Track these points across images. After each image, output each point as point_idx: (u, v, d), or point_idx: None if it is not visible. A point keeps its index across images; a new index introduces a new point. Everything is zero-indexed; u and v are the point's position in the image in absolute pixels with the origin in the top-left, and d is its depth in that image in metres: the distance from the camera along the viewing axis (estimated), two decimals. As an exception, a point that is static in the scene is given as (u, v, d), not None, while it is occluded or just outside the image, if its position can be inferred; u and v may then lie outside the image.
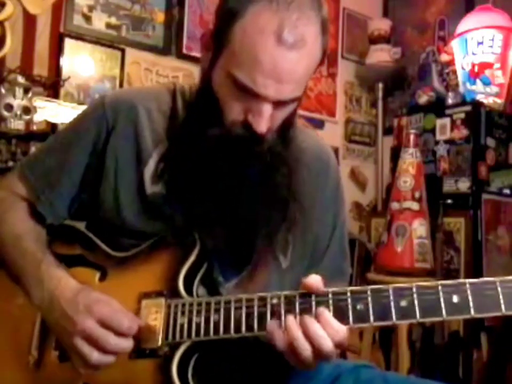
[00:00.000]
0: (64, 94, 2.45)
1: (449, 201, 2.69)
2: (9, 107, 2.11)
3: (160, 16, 2.80)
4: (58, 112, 2.20)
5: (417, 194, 2.54)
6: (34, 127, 2.17)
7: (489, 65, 2.82)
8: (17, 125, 2.12)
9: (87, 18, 2.57)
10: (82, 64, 2.56)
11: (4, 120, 2.10)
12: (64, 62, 2.50)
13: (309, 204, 0.98)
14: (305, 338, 0.74)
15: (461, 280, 0.72)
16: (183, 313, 0.83)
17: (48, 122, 2.23)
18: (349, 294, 0.76)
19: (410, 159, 2.61)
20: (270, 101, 0.84)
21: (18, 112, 2.12)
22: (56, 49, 2.48)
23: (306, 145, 1.03)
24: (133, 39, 2.72)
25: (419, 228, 2.50)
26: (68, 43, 2.52)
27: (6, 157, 2.04)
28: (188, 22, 2.86)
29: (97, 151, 0.99)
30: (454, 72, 3.05)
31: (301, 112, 3.19)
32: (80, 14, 2.55)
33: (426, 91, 3.03)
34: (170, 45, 2.84)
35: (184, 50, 2.84)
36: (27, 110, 2.14)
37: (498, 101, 2.83)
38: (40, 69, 2.40)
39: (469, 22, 2.90)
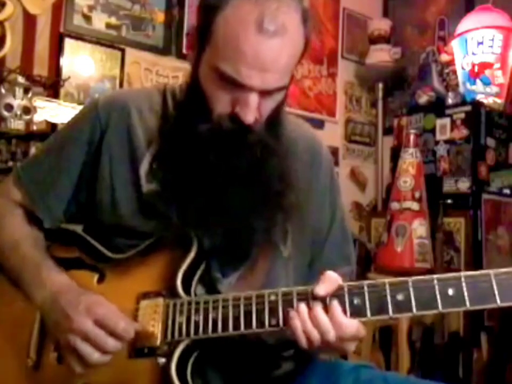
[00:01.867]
0: (64, 94, 2.45)
1: (449, 201, 2.69)
2: (9, 107, 2.11)
3: (160, 16, 2.80)
4: (58, 112, 2.20)
5: (417, 194, 2.54)
6: (34, 127, 2.17)
7: (489, 65, 2.82)
8: (17, 125, 2.12)
9: (87, 18, 2.57)
10: (82, 64, 2.56)
11: (4, 120, 2.11)
12: (64, 62, 2.50)
13: (304, 192, 0.99)
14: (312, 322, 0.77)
15: (456, 274, 0.73)
16: (181, 312, 0.83)
17: (48, 122, 2.24)
18: (346, 289, 0.77)
19: (410, 159, 2.61)
20: (255, 91, 0.85)
21: (18, 112, 2.13)
22: (56, 49, 2.48)
23: (296, 136, 1.04)
24: (133, 39, 2.72)
25: (419, 227, 2.50)
26: (68, 43, 2.51)
27: (6, 157, 2.05)
28: (188, 22, 2.86)
29: (92, 151, 1.00)
30: (454, 72, 3.05)
31: (301, 112, 3.20)
32: (80, 14, 2.55)
33: (426, 91, 3.03)
34: (170, 45, 2.84)
35: (184, 50, 2.84)
36: (27, 110, 2.14)
37: (498, 101, 2.83)
38: (40, 69, 2.40)
39: (469, 22, 2.90)
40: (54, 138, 1.10)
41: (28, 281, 0.92)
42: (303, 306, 0.78)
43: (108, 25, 2.64)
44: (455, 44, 2.98)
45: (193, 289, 0.88)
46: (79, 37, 2.55)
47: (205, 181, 0.89)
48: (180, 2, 2.87)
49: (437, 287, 0.72)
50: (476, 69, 2.84)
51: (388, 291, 0.74)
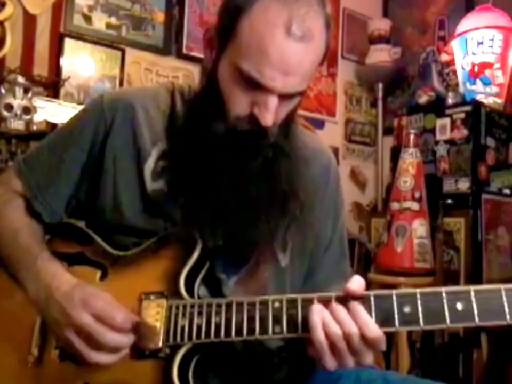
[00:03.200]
0: (64, 94, 2.45)
1: (449, 201, 2.69)
2: (9, 107, 2.11)
3: (160, 16, 2.80)
4: (58, 112, 2.20)
5: (417, 194, 2.54)
6: (34, 127, 2.18)
7: (489, 65, 2.82)
8: (17, 125, 2.12)
9: (87, 18, 2.57)
10: (82, 64, 2.56)
11: (4, 120, 2.11)
12: (64, 62, 2.50)
13: (309, 203, 0.98)
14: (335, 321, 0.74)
15: (465, 287, 0.71)
16: (184, 314, 0.83)
17: (48, 122, 2.24)
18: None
19: (410, 159, 2.61)
20: (276, 93, 0.85)
21: (18, 112, 2.13)
22: (56, 49, 2.48)
23: (307, 147, 1.03)
24: (133, 39, 2.71)
25: (419, 228, 2.50)
26: (68, 43, 2.51)
27: (6, 157, 2.05)
28: (188, 22, 2.86)
29: (95, 149, 0.99)
30: (454, 72, 3.05)
31: (301, 112, 3.18)
32: (80, 14, 2.55)
33: (426, 91, 3.03)
34: (170, 45, 2.84)
35: (184, 50, 2.84)
36: (27, 110, 2.14)
37: (498, 101, 2.83)
38: (40, 69, 2.40)
39: (469, 22, 2.90)
40: (58, 134, 1.09)
41: (23, 271, 0.91)
42: (319, 306, 0.76)
43: (108, 25, 2.63)
44: (455, 44, 2.98)
45: (196, 290, 0.88)
46: (79, 37, 2.55)
47: (213, 181, 0.89)
48: (179, 2, 2.87)
49: (445, 300, 0.71)
50: (476, 69, 2.83)
51: (394, 303, 0.73)
